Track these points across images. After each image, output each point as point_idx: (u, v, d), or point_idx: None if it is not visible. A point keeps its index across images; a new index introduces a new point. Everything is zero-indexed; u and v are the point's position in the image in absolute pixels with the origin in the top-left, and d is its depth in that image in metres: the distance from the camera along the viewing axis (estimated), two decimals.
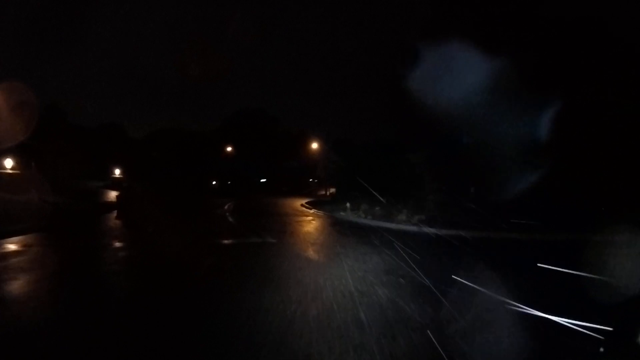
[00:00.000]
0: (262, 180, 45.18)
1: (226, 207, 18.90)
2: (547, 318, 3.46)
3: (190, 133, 48.66)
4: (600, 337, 2.81)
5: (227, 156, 46.23)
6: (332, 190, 39.53)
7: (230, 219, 13.73)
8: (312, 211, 17.57)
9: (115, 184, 25.48)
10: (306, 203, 22.42)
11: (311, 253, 7.49)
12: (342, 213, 15.22)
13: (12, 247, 7.16)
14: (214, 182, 46.43)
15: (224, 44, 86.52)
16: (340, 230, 11.17)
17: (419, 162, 14.65)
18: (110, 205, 15.43)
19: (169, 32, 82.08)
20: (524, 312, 3.72)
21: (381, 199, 13.58)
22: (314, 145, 37.24)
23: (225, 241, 8.88)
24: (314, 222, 13.41)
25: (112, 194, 20.04)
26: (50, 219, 9.66)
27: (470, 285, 4.60)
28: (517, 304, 3.84)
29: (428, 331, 3.33)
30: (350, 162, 27.22)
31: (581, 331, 3.03)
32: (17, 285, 4.72)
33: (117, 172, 26.71)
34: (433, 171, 13.45)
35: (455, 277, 4.90)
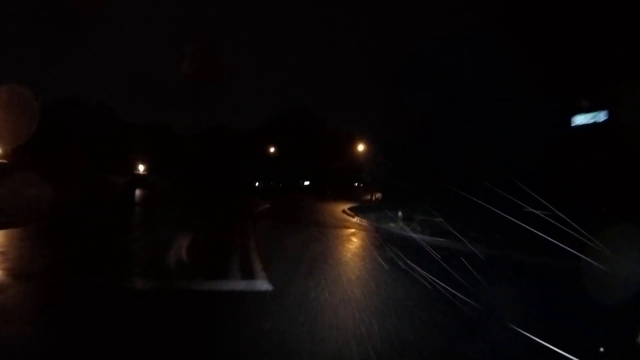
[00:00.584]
0: (305, 183, 43.26)
1: (258, 211, 16.93)
2: None
3: (235, 133, 48.15)
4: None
5: (270, 157, 44.93)
6: (378, 195, 36.77)
7: (251, 230, 10.25)
8: (354, 220, 15.00)
9: (136, 180, 24.61)
10: (349, 209, 19.87)
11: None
12: (391, 224, 12.45)
13: None
14: (257, 184, 45.35)
15: (273, 42, 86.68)
16: (399, 255, 6.42)
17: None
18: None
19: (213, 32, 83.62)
20: None
21: (431, 210, 10.81)
22: (360, 147, 34.50)
23: (179, 284, 4.62)
24: (355, 237, 10.55)
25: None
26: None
27: None
28: None
29: None
30: (399, 165, 24.22)
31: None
32: None
33: (141, 168, 25.77)
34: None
35: None
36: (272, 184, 45.26)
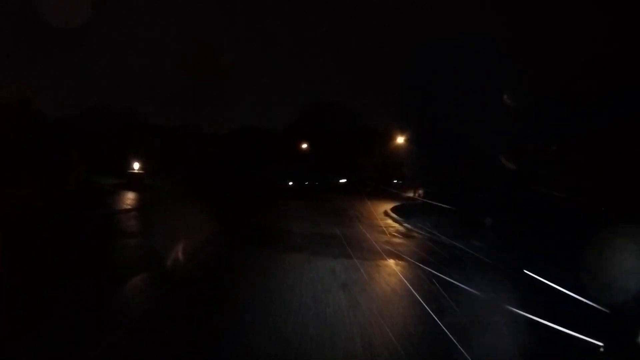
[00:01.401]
0: (341, 181, 40.46)
1: (286, 214, 14.57)
2: None
3: (264, 131, 46.37)
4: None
5: (303, 154, 42.65)
6: (420, 191, 33.76)
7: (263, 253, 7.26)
8: (402, 228, 12.13)
9: (133, 180, 20.50)
10: (392, 210, 16.96)
11: None
12: (476, 243, 8.73)
13: None
14: (290, 183, 43.22)
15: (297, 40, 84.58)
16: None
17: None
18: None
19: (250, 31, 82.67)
20: None
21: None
22: (398, 141, 31.28)
23: None
24: (409, 269, 6.63)
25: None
26: None
27: None
28: None
29: None
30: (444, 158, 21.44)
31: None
32: None
33: (136, 166, 21.74)
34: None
35: None
36: (306, 182, 42.93)
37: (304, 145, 40.79)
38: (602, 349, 2.69)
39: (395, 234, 10.82)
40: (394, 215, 15.25)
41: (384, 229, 11.74)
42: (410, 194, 36.53)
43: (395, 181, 59.85)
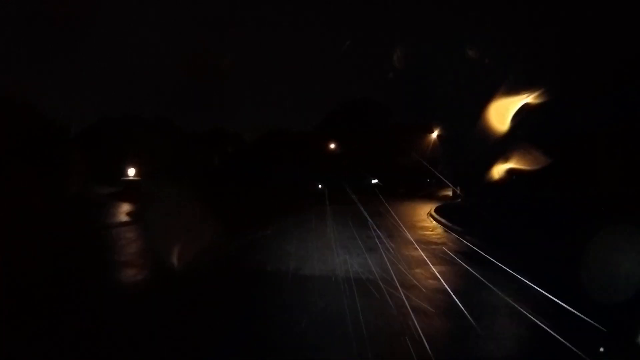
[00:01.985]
0: (373, 181, 38.60)
1: (313, 225, 12.87)
2: None
3: (293, 133, 45.35)
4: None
5: (332, 155, 41.24)
6: (458, 190, 31.67)
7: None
8: (462, 243, 10.04)
9: (129, 189, 17.86)
10: (436, 212, 14.93)
11: None
12: None
13: None
14: (319, 186, 41.91)
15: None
16: None
17: None
18: None
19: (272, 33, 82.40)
20: None
21: None
22: (433, 136, 29.14)
23: None
24: None
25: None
26: None
27: None
28: None
29: None
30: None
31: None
32: None
33: (131, 172, 19.04)
34: None
35: None
36: (336, 185, 41.47)
37: (333, 146, 39.29)
38: (602, 349, 2.62)
39: (449, 245, 8.73)
40: (438, 217, 13.37)
41: (431, 240, 9.78)
42: (449, 193, 34.36)
43: (428, 180, 57.10)
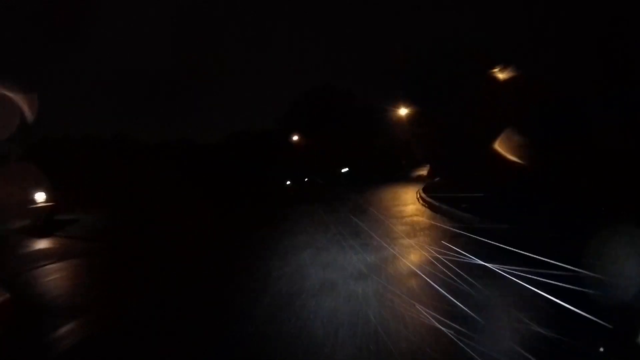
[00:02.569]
0: (343, 171, 36.17)
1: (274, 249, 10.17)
2: None
3: (258, 132, 42.23)
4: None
5: (299, 149, 38.46)
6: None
7: None
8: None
9: (38, 219, 12.19)
10: (428, 196, 12.54)
11: None
12: None
13: None
14: (288, 182, 39.08)
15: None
16: None
17: None
18: None
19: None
20: None
21: None
22: (402, 114, 26.90)
23: None
24: None
25: None
26: None
27: None
28: None
29: None
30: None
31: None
32: None
33: (41, 197, 12.95)
34: None
35: None
36: (306, 179, 38.76)
37: (298, 138, 36.47)
38: (602, 349, 2.56)
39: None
40: (429, 201, 11.05)
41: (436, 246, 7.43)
42: (422, 173, 32.79)
43: (404, 162, 55.53)
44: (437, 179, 22.55)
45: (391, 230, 7.70)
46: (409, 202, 12.47)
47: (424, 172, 47.53)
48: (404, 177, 34.93)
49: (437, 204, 9.96)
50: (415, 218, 8.99)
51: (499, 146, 13.61)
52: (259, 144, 40.40)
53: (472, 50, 15.80)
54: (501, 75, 14.09)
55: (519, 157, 12.44)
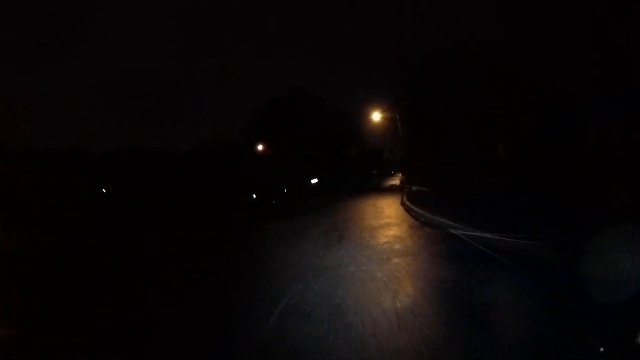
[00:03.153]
0: (313, 182, 33.76)
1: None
2: None
3: (225, 143, 38.70)
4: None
5: (265, 160, 35.60)
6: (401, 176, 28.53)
7: None
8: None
9: None
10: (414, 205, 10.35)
11: None
12: None
13: None
14: (254, 196, 36.04)
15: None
16: None
17: None
18: None
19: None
20: None
21: None
22: (375, 118, 24.77)
23: None
24: None
25: None
26: None
27: None
28: None
29: None
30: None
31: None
32: None
33: None
34: None
35: None
36: (274, 191, 36.00)
37: (263, 148, 33.63)
38: (602, 349, 2.58)
39: None
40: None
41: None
42: (396, 182, 31.26)
43: (374, 172, 53.81)
44: (415, 187, 20.59)
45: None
46: (396, 218, 10.11)
47: (396, 181, 46.00)
48: (376, 187, 32.97)
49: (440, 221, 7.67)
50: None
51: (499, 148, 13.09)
52: (223, 156, 37.08)
53: (469, 50, 14.98)
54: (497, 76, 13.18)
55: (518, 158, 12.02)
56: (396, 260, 5.43)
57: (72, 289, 7.30)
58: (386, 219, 9.72)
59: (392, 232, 7.79)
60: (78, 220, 18.51)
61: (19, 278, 8.93)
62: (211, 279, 6.50)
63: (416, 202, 11.80)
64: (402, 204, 12.71)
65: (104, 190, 23.62)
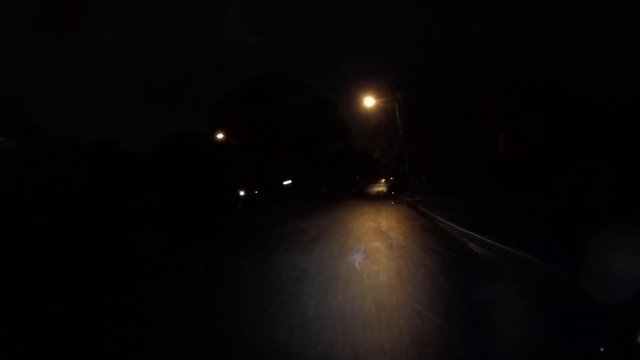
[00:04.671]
0: (285, 183, 27.89)
1: None
2: None
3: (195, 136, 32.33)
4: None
5: (232, 155, 29.43)
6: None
7: None
8: None
9: None
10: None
11: None
12: None
13: None
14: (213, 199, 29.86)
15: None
16: None
17: None
18: None
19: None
20: None
21: None
22: (368, 103, 19.20)
23: None
24: None
25: None
26: None
27: None
28: None
29: None
30: None
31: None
32: None
33: None
34: None
35: None
36: (242, 194, 29.95)
37: (227, 140, 27.45)
38: (602, 349, 2.53)
39: None
40: None
41: None
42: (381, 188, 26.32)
43: (357, 177, 48.19)
44: (408, 195, 15.62)
45: None
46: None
47: (382, 188, 40.83)
48: (361, 195, 27.68)
49: None
50: None
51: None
52: (185, 151, 30.66)
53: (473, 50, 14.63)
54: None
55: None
56: None
57: None
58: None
59: None
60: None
61: None
62: None
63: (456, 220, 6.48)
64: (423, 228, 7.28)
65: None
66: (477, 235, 5.23)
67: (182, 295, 4.54)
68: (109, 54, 57.41)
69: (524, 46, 13.00)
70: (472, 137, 14.22)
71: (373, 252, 5.38)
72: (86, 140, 30.27)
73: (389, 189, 30.83)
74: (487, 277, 3.94)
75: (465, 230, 5.78)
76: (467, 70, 14.21)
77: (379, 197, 22.20)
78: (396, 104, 17.26)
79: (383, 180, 47.43)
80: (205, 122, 32.27)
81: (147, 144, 37.83)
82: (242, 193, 31.92)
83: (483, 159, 14.00)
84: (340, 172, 30.28)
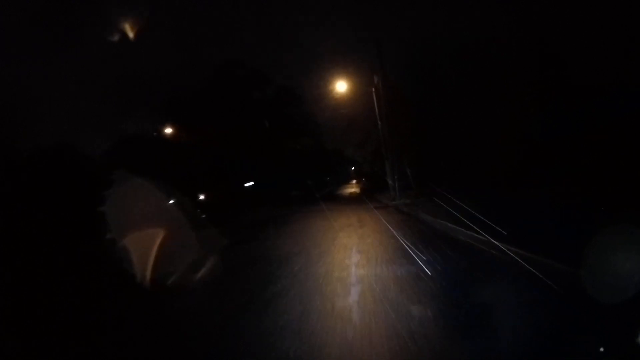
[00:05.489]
0: (246, 185, 24.62)
1: None
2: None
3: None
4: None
5: (185, 154, 25.85)
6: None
7: None
8: None
9: None
10: None
11: None
12: None
13: None
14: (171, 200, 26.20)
15: None
16: None
17: None
18: None
19: None
20: None
21: None
22: (341, 88, 16.56)
23: None
24: None
25: None
26: None
27: None
28: None
29: None
30: None
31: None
32: None
33: None
34: None
35: None
36: (198, 200, 26.35)
37: (168, 131, 23.93)
38: (602, 349, 2.52)
39: None
40: None
41: None
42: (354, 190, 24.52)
43: (328, 179, 45.81)
44: (391, 196, 13.23)
45: None
46: None
47: (354, 189, 38.75)
48: (333, 197, 25.03)
49: None
50: None
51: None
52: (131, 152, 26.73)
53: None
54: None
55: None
56: None
57: None
58: None
59: None
60: None
61: None
62: None
63: None
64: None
65: None
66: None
67: None
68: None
69: (523, 37, 12.30)
70: (465, 128, 13.20)
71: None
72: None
73: (363, 190, 28.74)
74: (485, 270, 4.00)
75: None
76: (461, 57, 13.22)
77: (355, 200, 19.64)
78: (374, 89, 14.72)
79: (354, 181, 45.51)
80: (159, 122, 28.54)
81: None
82: (201, 197, 28.40)
83: (477, 154, 12.80)
84: (308, 173, 27.42)
